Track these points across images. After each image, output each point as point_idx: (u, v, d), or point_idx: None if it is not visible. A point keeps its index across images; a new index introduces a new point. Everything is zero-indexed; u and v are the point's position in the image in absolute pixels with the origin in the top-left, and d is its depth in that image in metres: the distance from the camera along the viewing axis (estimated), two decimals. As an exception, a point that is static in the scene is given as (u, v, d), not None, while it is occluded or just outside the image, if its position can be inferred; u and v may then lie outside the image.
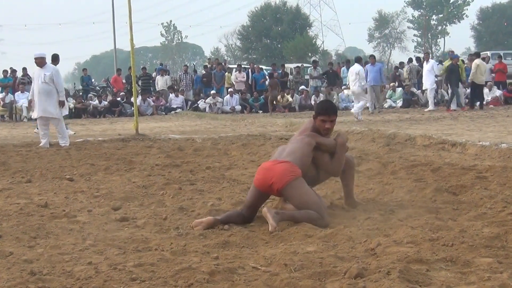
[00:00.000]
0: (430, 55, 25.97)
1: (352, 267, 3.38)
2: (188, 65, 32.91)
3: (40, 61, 11.74)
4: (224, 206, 5.53)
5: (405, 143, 10.19)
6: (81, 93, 27.10)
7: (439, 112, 18.92)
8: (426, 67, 20.74)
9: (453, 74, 19.90)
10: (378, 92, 19.76)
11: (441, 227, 4.36)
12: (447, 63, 20.10)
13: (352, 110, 17.39)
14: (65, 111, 12.35)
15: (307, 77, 28.25)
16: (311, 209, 4.77)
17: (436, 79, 20.60)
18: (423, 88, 21.82)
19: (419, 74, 23.76)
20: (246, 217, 4.97)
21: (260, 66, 30.05)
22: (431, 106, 20.47)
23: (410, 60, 27.01)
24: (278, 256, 3.76)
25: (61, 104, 11.72)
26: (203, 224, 4.74)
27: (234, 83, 25.60)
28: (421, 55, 30.59)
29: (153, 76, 28.21)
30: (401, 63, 28.97)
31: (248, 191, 6.16)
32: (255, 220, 4.96)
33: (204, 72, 27.61)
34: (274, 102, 23.11)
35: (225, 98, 24.58)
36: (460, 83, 20.09)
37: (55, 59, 14.84)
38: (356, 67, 17.48)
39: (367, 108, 19.11)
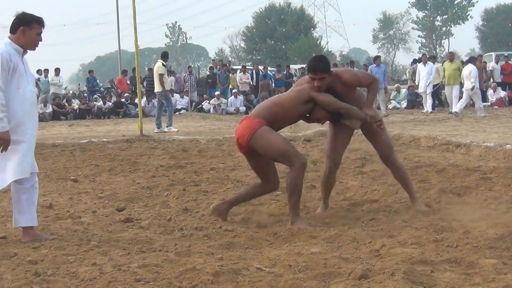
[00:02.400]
0: (433, 56, 25.32)
1: (357, 268, 3.38)
2: (192, 66, 32.92)
3: None
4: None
5: (410, 144, 10.19)
6: (85, 94, 27.15)
7: (442, 114, 18.86)
8: (425, 69, 20.03)
9: None
10: (382, 94, 19.67)
11: (445, 228, 4.36)
12: (446, 65, 19.63)
13: (456, 109, 17.11)
14: None
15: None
16: (280, 155, 4.82)
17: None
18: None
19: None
20: (267, 187, 5.04)
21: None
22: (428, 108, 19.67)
23: (415, 61, 26.87)
24: (283, 257, 3.76)
25: None
26: (216, 211, 4.99)
27: (238, 84, 25.60)
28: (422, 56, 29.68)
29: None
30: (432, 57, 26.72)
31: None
32: (263, 220, 4.98)
33: (209, 73, 27.63)
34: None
35: (229, 99, 24.60)
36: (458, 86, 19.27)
37: (165, 56, 14.92)
38: (469, 67, 17.55)
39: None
